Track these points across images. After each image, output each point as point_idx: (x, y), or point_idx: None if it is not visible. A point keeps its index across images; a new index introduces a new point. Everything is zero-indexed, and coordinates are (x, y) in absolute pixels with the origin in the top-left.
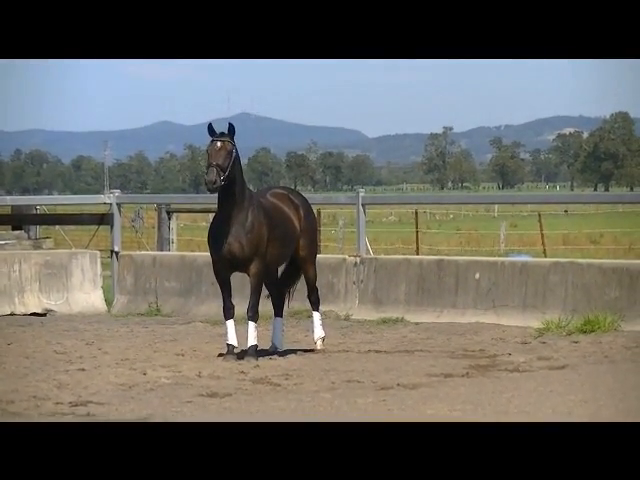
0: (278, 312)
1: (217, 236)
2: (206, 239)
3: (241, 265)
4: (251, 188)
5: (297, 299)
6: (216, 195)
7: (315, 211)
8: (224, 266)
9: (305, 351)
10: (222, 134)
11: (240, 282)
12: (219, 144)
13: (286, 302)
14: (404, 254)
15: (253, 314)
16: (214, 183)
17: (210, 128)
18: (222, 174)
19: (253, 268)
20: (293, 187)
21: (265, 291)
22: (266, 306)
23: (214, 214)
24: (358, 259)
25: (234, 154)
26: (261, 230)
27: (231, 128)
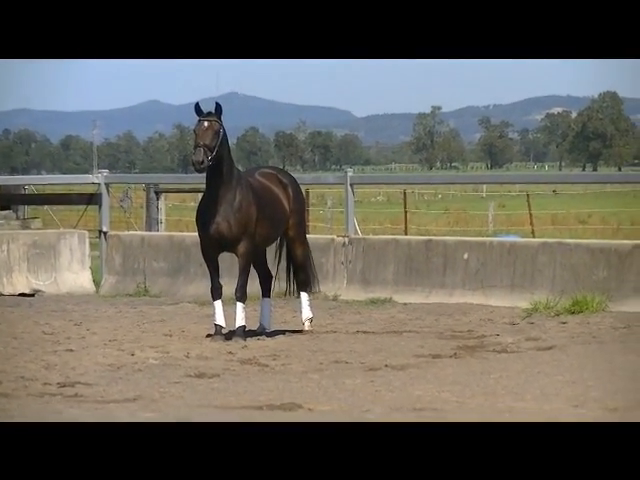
0: (266, 293)
1: (205, 216)
2: (194, 219)
3: (229, 245)
4: (240, 168)
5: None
6: (204, 175)
7: (304, 191)
8: (212, 246)
9: (293, 332)
10: (209, 114)
11: (229, 262)
12: (206, 124)
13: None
14: (392, 234)
15: (241, 295)
16: (201, 163)
17: (197, 108)
18: (209, 154)
19: (241, 248)
20: (282, 167)
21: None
22: (253, 287)
23: (202, 194)
24: (346, 239)
25: (221, 134)
26: (249, 210)
27: (218, 107)
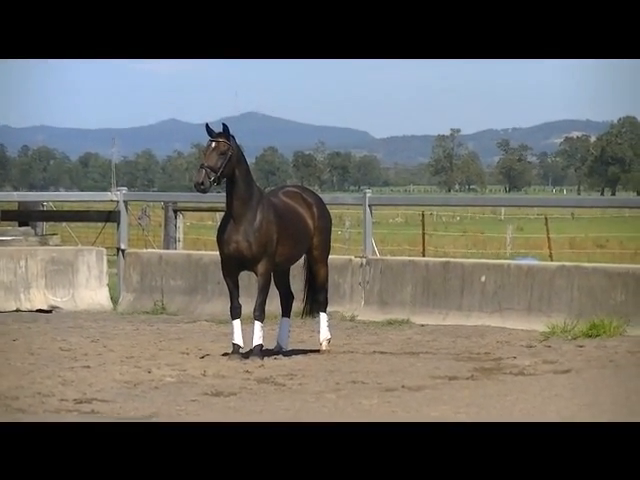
0: (286, 312)
1: (226, 235)
2: (212, 238)
3: (249, 264)
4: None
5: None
6: (223, 194)
7: None
8: (232, 265)
9: (310, 351)
10: (219, 134)
11: (247, 281)
12: (213, 145)
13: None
14: (410, 256)
15: (260, 313)
16: (202, 184)
17: (208, 128)
18: (213, 175)
19: (261, 267)
20: None
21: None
22: (271, 306)
23: (223, 213)
24: (364, 260)
25: (229, 154)
26: (270, 229)
27: (225, 128)
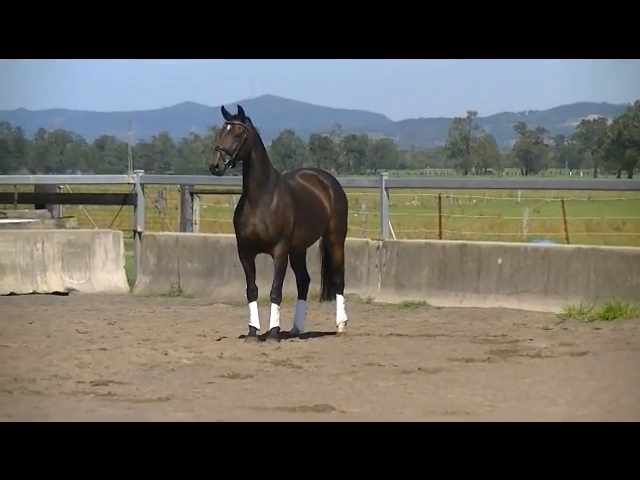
0: (302, 295)
1: (242, 217)
2: (229, 221)
3: (266, 246)
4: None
5: (320, 281)
6: (239, 177)
7: None
8: (249, 247)
9: (327, 334)
10: (235, 117)
11: (263, 264)
12: (228, 127)
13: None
14: (427, 238)
15: (277, 296)
16: (216, 167)
17: (223, 111)
18: (228, 157)
19: (278, 250)
20: None
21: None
22: (288, 288)
23: (240, 196)
24: (381, 242)
25: (244, 137)
26: (286, 212)
27: (240, 111)
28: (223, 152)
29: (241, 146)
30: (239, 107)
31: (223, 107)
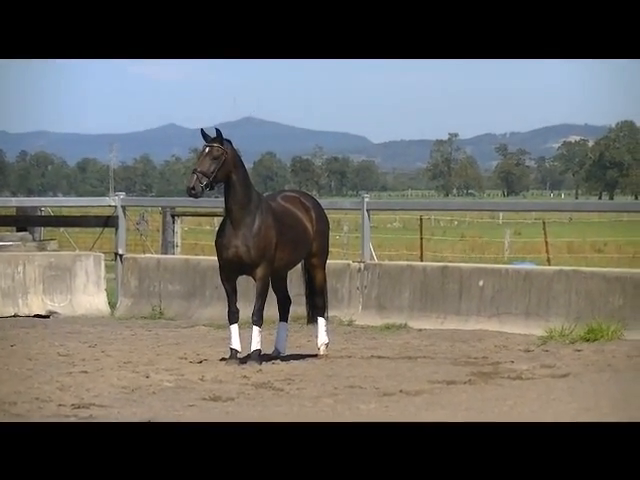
0: (283, 317)
1: (224, 239)
2: (210, 243)
3: (247, 269)
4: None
5: (301, 303)
6: (222, 199)
7: None
8: (231, 269)
9: (308, 356)
10: (213, 139)
11: (244, 286)
12: (207, 150)
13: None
14: (408, 260)
15: (258, 318)
16: (193, 189)
17: (203, 133)
18: (205, 180)
19: (259, 272)
20: None
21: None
22: (269, 310)
23: (222, 218)
24: (362, 265)
25: (223, 158)
26: (268, 233)
27: (219, 133)
28: (200, 174)
29: (219, 168)
30: (217, 130)
31: (202, 130)
